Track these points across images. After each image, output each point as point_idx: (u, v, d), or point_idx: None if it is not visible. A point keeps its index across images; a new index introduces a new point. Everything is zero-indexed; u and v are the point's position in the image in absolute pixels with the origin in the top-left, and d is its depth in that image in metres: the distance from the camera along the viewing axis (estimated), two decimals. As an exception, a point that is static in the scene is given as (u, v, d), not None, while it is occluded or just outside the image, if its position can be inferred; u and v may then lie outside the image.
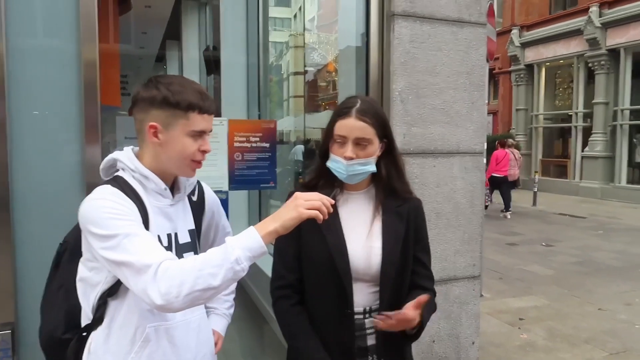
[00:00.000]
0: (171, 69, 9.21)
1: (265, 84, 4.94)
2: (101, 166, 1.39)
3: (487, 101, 2.48)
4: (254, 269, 1.76)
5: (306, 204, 1.18)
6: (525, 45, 17.42)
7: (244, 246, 1.14)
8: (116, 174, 1.36)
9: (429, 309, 1.55)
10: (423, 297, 1.44)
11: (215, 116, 1.40)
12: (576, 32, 15.06)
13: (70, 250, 1.39)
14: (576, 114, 15.86)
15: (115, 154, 1.37)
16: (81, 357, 1.34)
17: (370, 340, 1.54)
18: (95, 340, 1.32)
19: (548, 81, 17.45)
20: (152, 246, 1.19)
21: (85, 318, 1.34)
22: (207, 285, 1.12)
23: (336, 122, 1.51)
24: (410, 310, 1.42)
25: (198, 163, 1.35)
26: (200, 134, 1.32)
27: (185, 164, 1.33)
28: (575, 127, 15.85)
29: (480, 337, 2.64)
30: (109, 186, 1.29)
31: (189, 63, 7.59)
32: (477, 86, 2.47)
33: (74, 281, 1.35)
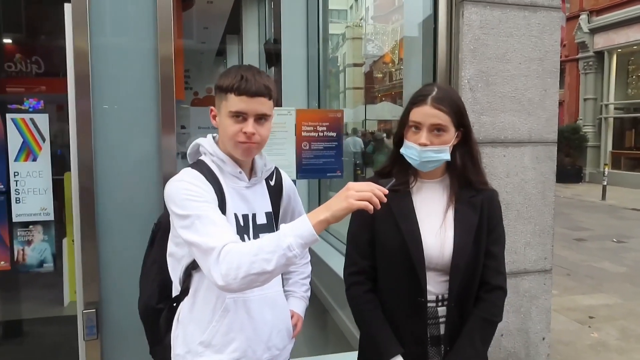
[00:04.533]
0: (231, 62, 9.40)
1: (324, 75, 4.96)
2: (188, 151, 1.49)
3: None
4: (314, 259, 1.79)
5: (357, 195, 1.19)
6: (594, 31, 16.45)
7: (296, 234, 1.18)
8: (199, 157, 1.46)
9: (483, 338, 1.51)
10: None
11: (275, 105, 1.43)
12: (653, 16, 14.07)
13: (162, 229, 1.51)
14: (652, 103, 14.85)
15: (199, 140, 1.47)
16: (172, 325, 1.46)
17: (443, 329, 1.52)
18: (182, 309, 1.43)
19: (620, 69, 16.40)
20: (220, 228, 1.26)
21: (175, 290, 1.45)
22: (262, 270, 1.17)
23: (411, 110, 1.50)
24: None
25: (243, 143, 1.37)
26: (239, 115, 1.35)
27: (232, 144, 1.38)
28: (651, 117, 14.85)
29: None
30: (190, 169, 1.39)
31: (248, 56, 7.73)
32: (550, 73, 2.36)
33: (165, 256, 1.46)
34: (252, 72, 1.37)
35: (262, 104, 1.37)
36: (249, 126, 1.36)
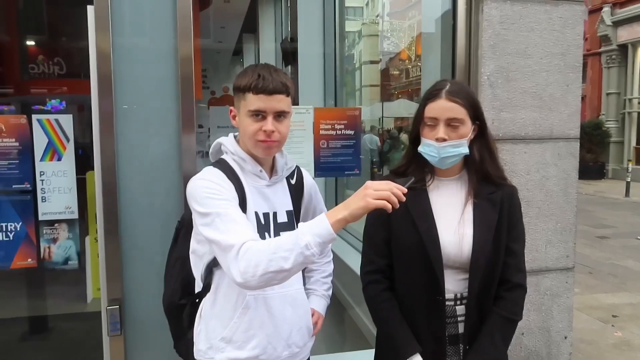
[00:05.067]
0: (248, 61, 9.45)
1: (341, 73, 4.95)
2: (210, 150, 1.52)
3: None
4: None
5: (375, 194, 1.18)
6: (617, 23, 16.10)
7: (314, 232, 1.18)
8: (221, 156, 1.48)
9: (503, 337, 1.51)
10: None
11: (293, 102, 1.44)
12: (678, 7, 13.71)
13: (186, 227, 1.54)
14: (677, 97, 14.48)
15: (220, 139, 1.50)
16: (194, 321, 1.49)
17: (462, 328, 1.51)
18: (204, 306, 1.46)
19: (644, 62, 16.05)
20: (239, 226, 1.28)
21: (197, 286, 1.48)
22: (279, 268, 1.18)
23: (426, 105, 1.49)
24: None
25: (263, 142, 1.38)
26: (258, 114, 1.36)
27: (252, 143, 1.40)
28: (676, 111, 14.48)
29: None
30: (212, 167, 1.42)
31: (265, 55, 7.76)
32: (572, 67, 2.33)
33: (188, 253, 1.49)
34: (268, 70, 1.38)
35: (280, 102, 1.38)
36: (269, 124, 1.37)
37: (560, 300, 2.40)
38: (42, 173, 2.00)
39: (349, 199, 1.23)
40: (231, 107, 1.46)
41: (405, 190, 1.22)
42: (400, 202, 1.20)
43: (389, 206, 1.18)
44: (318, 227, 1.19)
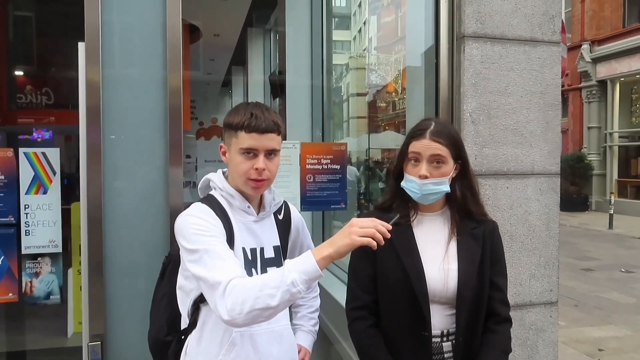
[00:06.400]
0: (236, 93, 9.56)
1: (328, 105, 5.01)
2: (199, 186, 1.54)
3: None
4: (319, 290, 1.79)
5: (360, 231, 1.20)
6: (596, 60, 16.64)
7: (300, 269, 1.19)
8: (210, 192, 1.50)
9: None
10: None
11: (283, 139, 1.47)
12: (653, 46, 14.24)
13: (173, 263, 1.54)
14: (656, 131, 14.89)
15: (209, 175, 1.52)
16: (179, 358, 1.47)
17: (449, 365, 1.51)
18: (190, 342, 1.44)
19: (623, 97, 16.53)
20: (227, 263, 1.28)
21: (184, 323, 1.47)
22: (266, 305, 1.19)
23: (410, 143, 1.54)
24: None
25: (254, 181, 1.41)
26: (249, 152, 1.39)
27: (242, 181, 1.42)
28: (656, 145, 14.86)
29: (557, 367, 2.51)
30: (200, 204, 1.43)
31: (253, 87, 7.86)
32: (551, 106, 2.40)
33: (175, 289, 1.49)
34: (260, 110, 1.41)
35: (271, 140, 1.42)
36: (260, 162, 1.40)
37: (545, 335, 2.40)
38: (26, 206, 1.98)
39: (334, 236, 1.24)
40: (221, 144, 1.49)
41: (390, 227, 1.24)
42: (385, 238, 1.22)
43: (374, 243, 1.20)
44: (304, 264, 1.20)
